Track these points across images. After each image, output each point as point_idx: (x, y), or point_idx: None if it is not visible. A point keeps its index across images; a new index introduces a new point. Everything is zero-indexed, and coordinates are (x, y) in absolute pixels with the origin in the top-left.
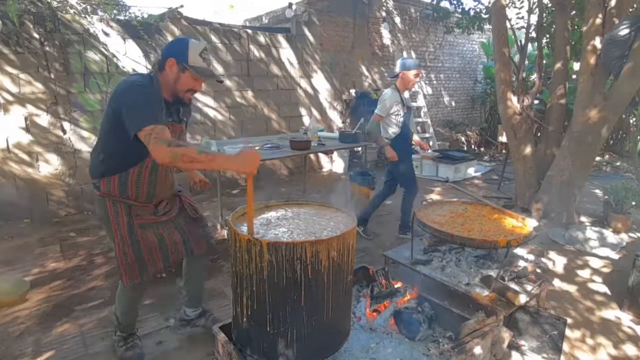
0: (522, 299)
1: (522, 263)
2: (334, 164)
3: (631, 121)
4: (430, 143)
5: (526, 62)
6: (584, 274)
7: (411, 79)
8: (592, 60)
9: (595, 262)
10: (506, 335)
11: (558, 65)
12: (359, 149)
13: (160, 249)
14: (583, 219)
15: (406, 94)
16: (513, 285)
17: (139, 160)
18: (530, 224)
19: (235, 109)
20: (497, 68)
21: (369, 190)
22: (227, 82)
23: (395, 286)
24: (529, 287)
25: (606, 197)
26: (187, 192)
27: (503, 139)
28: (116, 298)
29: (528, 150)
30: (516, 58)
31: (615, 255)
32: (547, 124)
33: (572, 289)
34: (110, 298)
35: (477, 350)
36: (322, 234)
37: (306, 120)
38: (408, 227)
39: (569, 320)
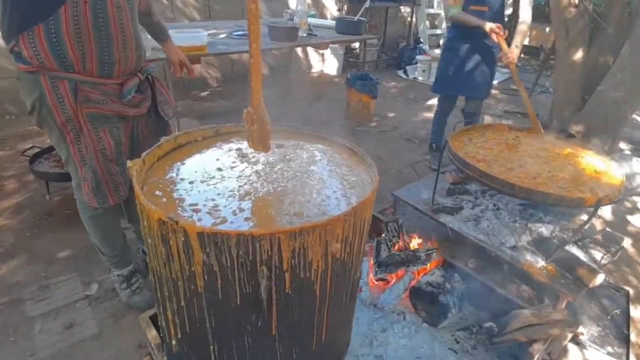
0: (600, 279)
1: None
2: (326, 63)
3: None
4: (440, 41)
5: None
6: (636, 221)
7: None
8: None
9: None
10: (572, 330)
11: None
12: (357, 45)
13: (116, 159)
14: (622, 145)
15: None
16: (579, 253)
17: None
18: (615, 168)
19: None
20: None
21: (370, 99)
22: None
23: (412, 246)
24: (597, 255)
25: None
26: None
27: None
28: (85, 225)
29: (579, 55)
30: None
31: None
32: (605, 23)
33: (625, 243)
34: (14, 246)
35: (532, 354)
36: (312, 207)
37: (292, 2)
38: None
39: (631, 292)
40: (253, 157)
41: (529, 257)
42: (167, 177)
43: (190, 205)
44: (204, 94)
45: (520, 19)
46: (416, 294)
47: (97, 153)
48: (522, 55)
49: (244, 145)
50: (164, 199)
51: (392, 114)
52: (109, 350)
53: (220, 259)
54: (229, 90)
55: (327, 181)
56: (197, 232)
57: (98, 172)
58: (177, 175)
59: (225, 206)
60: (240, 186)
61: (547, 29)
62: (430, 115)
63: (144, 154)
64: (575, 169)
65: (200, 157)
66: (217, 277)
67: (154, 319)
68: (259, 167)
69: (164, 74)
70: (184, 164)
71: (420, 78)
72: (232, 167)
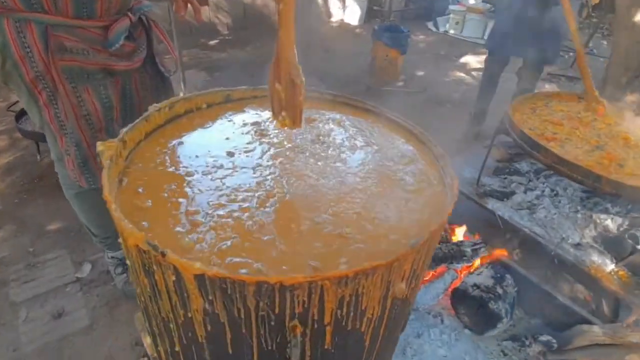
0: None
1: None
2: (347, 11)
3: None
4: None
5: None
6: None
7: None
8: None
9: None
10: None
11: None
12: None
13: (105, 126)
14: None
15: None
16: None
17: None
18: None
19: None
20: None
21: (398, 55)
22: None
23: (455, 236)
24: None
25: None
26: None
27: None
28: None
29: None
30: None
31: None
32: None
33: None
34: (1, 213)
35: None
36: (364, 224)
37: None
38: None
39: None
40: (275, 135)
41: (595, 257)
42: (157, 164)
43: (188, 213)
44: (212, 42)
45: None
46: (460, 297)
47: (80, 120)
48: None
49: (264, 116)
50: (149, 202)
51: (420, 73)
52: (101, 346)
53: (231, 309)
54: (241, 38)
55: (379, 179)
56: (194, 274)
57: (83, 145)
58: (171, 161)
59: (238, 217)
60: (258, 182)
61: None
62: (464, 75)
63: (123, 130)
64: None
65: (203, 134)
66: (225, 329)
67: None
68: (284, 151)
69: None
70: (181, 143)
71: (452, 31)
72: (247, 151)
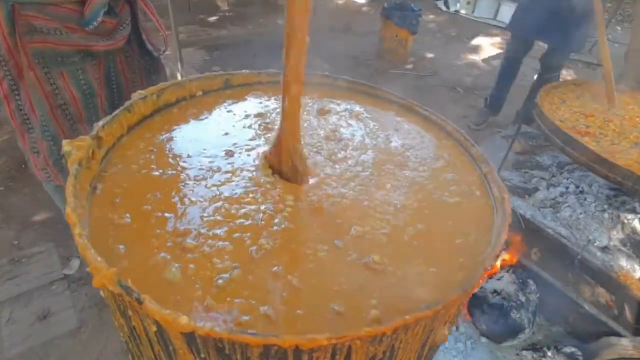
0: None
1: None
2: None
3: None
4: None
5: None
6: None
7: None
8: None
9: None
10: None
11: None
12: None
13: (86, 116)
14: None
15: None
16: None
17: None
18: None
19: None
20: None
21: (408, 35)
22: None
23: None
24: None
25: None
26: None
27: None
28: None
29: None
30: None
31: None
32: None
33: None
34: None
35: None
36: (398, 248)
37: None
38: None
39: None
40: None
41: (624, 262)
42: (140, 166)
43: (177, 234)
44: (212, 19)
45: None
46: (478, 303)
47: (55, 111)
48: None
49: (269, 106)
50: (128, 217)
51: (430, 55)
52: (90, 350)
53: None
54: (242, 15)
55: (409, 188)
56: (182, 332)
57: (61, 140)
58: (158, 163)
59: (239, 238)
60: (263, 192)
61: None
62: (476, 58)
63: (98, 124)
64: None
65: (198, 127)
66: None
67: None
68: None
69: None
70: (171, 139)
71: (463, 11)
72: (249, 150)
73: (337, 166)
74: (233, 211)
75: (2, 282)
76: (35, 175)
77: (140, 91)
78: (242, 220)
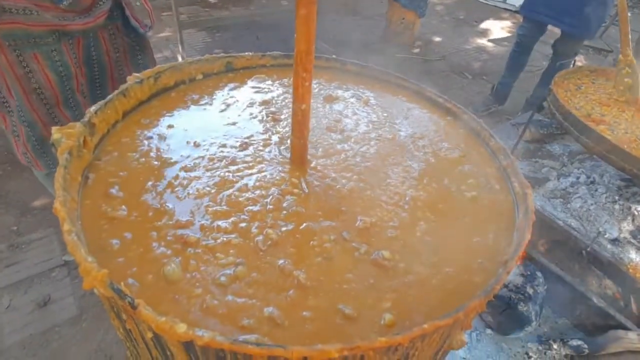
0: None
1: None
2: None
3: None
4: None
5: None
6: None
7: None
8: None
9: None
10: None
11: None
12: None
13: (63, 100)
14: None
15: None
16: None
17: None
18: None
19: None
20: None
21: (415, 18)
22: None
23: None
24: None
25: None
26: None
27: None
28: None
29: None
30: None
31: None
32: None
33: None
34: None
35: None
36: (418, 253)
37: None
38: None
39: None
40: (286, 119)
41: (633, 254)
42: (138, 154)
43: (178, 225)
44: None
45: None
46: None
47: (30, 95)
48: None
49: (274, 92)
50: (124, 209)
51: (438, 39)
52: (90, 338)
53: None
54: None
55: (422, 180)
56: (179, 340)
57: (37, 125)
58: (157, 151)
59: (245, 229)
60: (269, 175)
61: None
62: (485, 42)
63: (91, 109)
64: None
65: (199, 115)
66: None
67: None
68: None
69: None
70: (171, 126)
71: None
72: (255, 141)
73: (344, 156)
74: (238, 201)
75: (1, 269)
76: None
77: (135, 74)
78: (250, 207)
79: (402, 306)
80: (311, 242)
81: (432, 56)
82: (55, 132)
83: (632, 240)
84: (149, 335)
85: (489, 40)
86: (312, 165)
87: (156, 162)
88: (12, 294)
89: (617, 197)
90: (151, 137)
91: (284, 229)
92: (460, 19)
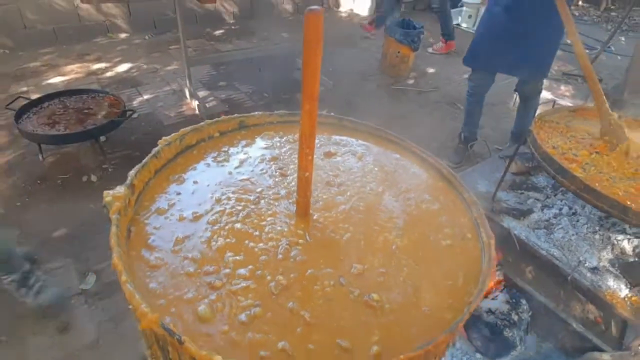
0: None
1: None
2: (357, 1)
3: None
4: None
5: None
6: None
7: None
8: None
9: None
10: None
11: None
12: None
13: None
14: None
15: None
16: None
17: None
18: None
19: None
20: None
21: (410, 52)
22: None
23: None
24: None
25: None
26: None
27: None
28: None
29: None
30: None
31: None
32: None
33: None
34: (3, 217)
35: None
36: (397, 291)
37: None
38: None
39: None
40: (292, 175)
41: (611, 282)
42: (169, 207)
43: (206, 274)
44: (218, 32)
45: None
46: (474, 321)
47: None
48: (579, 3)
49: (282, 149)
50: (162, 259)
51: (432, 70)
52: None
53: None
54: (247, 28)
55: (406, 230)
56: None
57: None
58: (184, 205)
59: (260, 276)
60: (279, 227)
61: None
62: None
63: (132, 171)
64: None
65: (219, 171)
66: None
67: None
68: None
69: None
70: (195, 182)
71: (464, 25)
72: (266, 194)
73: (341, 207)
74: (256, 250)
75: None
76: (48, 189)
77: (165, 138)
78: (263, 257)
79: (387, 340)
80: (314, 287)
81: (427, 87)
82: (107, 196)
83: (611, 269)
84: None
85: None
86: (314, 218)
87: (186, 215)
88: (35, 320)
89: (597, 228)
90: (180, 193)
91: (292, 275)
92: (453, 50)
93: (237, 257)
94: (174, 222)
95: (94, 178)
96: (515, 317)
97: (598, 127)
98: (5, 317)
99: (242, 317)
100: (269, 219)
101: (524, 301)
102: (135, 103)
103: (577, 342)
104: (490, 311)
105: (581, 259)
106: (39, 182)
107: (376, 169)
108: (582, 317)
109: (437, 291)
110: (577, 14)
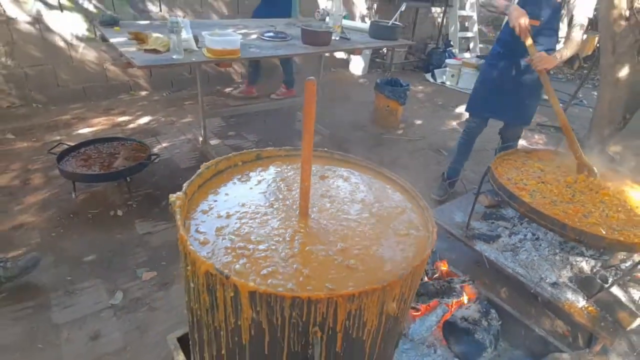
0: (638, 322)
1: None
2: (352, 63)
3: None
4: (471, 45)
5: None
6: None
7: None
8: None
9: None
10: None
11: None
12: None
13: None
14: None
15: None
16: (619, 292)
17: None
18: None
19: None
20: None
21: (398, 106)
22: None
23: (442, 271)
24: (635, 295)
25: None
26: None
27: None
28: None
29: (625, 72)
30: None
31: None
32: None
33: None
34: (40, 245)
35: None
36: (366, 258)
37: (322, 0)
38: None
39: None
40: (296, 189)
41: (569, 295)
42: (209, 210)
43: (239, 248)
44: (227, 90)
45: (574, 21)
46: (450, 328)
47: None
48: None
49: (288, 173)
50: (205, 237)
51: (419, 121)
52: None
53: (271, 318)
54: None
55: (376, 225)
56: (249, 290)
57: None
58: (220, 208)
59: (274, 249)
60: (286, 222)
61: (584, 36)
62: (459, 125)
63: (185, 184)
64: (626, 205)
65: (243, 186)
66: (264, 334)
67: (181, 340)
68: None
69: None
70: (227, 194)
71: (448, 83)
72: (277, 200)
73: (331, 210)
74: (271, 235)
75: (59, 310)
76: (80, 222)
77: (205, 163)
78: (277, 239)
79: (359, 285)
80: (311, 256)
81: (414, 136)
82: (172, 197)
83: (569, 284)
84: (230, 295)
85: (462, 123)
86: (311, 217)
87: (222, 214)
88: (69, 329)
89: (557, 250)
90: (216, 200)
91: (295, 250)
92: (439, 104)
93: (258, 238)
94: (213, 218)
95: (120, 213)
96: (485, 323)
97: (550, 165)
98: (41, 326)
99: (264, 271)
100: (279, 216)
101: (493, 310)
102: (155, 150)
103: (543, 347)
104: (464, 318)
105: (542, 275)
106: (71, 215)
107: (357, 186)
108: (552, 330)
109: (396, 260)
110: (552, 72)
